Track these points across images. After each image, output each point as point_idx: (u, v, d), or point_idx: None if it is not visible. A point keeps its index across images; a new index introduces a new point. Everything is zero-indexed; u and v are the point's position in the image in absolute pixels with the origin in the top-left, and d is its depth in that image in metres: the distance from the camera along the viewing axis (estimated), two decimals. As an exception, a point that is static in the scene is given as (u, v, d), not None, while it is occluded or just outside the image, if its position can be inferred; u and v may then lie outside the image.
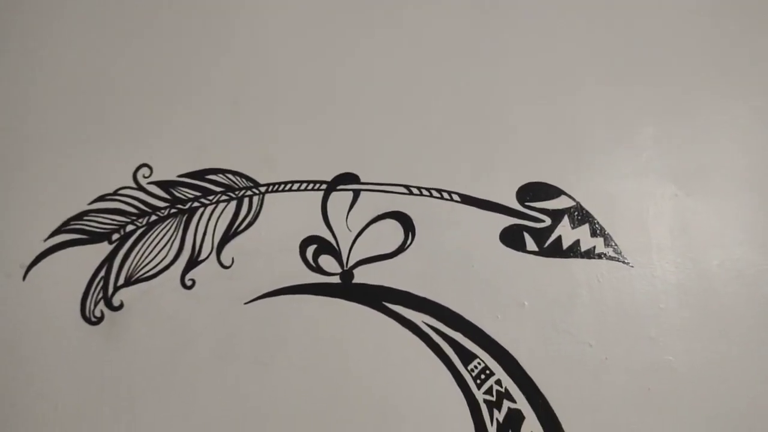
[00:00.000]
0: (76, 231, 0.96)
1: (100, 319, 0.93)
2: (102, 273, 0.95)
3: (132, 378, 0.89)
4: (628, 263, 0.96)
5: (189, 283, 0.95)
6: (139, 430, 0.87)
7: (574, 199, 0.98)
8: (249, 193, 0.98)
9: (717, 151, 1.02)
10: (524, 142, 1.01)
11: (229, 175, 0.99)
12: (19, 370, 0.90)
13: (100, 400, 0.88)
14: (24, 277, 0.94)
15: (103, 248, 0.96)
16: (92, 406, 0.88)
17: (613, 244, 0.97)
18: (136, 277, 0.94)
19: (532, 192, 0.99)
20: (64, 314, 0.92)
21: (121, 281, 0.94)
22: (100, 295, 0.94)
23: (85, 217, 0.97)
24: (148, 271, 0.95)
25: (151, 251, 0.96)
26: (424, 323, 0.93)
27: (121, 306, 0.93)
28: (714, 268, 0.97)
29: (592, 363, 0.91)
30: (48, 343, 0.91)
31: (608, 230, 0.98)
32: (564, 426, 0.88)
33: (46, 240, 0.96)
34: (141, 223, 0.97)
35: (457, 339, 0.92)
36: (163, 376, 0.90)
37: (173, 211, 0.98)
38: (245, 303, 0.94)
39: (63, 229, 0.96)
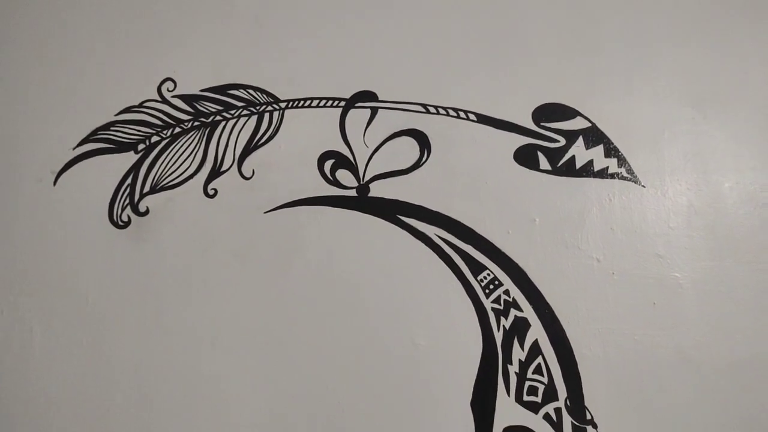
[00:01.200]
0: (103, 140, 1.00)
1: (127, 224, 0.97)
2: (128, 180, 0.99)
3: (158, 277, 0.94)
4: (640, 183, 0.98)
5: (211, 192, 0.98)
6: (165, 322, 0.92)
7: (589, 120, 0.99)
8: (269, 108, 1.01)
9: (737, 77, 1.01)
10: (542, 63, 1.01)
11: (251, 91, 1.02)
12: (53, 266, 0.95)
13: (128, 294, 0.93)
14: (55, 183, 0.99)
15: (130, 157, 1.00)
16: (121, 299, 0.93)
17: (627, 165, 0.98)
18: (161, 185, 0.98)
19: (548, 113, 1.00)
20: (93, 218, 0.97)
21: (146, 189, 0.98)
22: (127, 201, 0.98)
23: (112, 128, 1.00)
24: (172, 180, 0.98)
25: (175, 161, 0.99)
26: (437, 236, 0.96)
27: (146, 212, 0.98)
28: (726, 190, 0.98)
29: (599, 277, 0.94)
30: (79, 243, 0.96)
31: (622, 151, 0.99)
32: (568, 334, 0.91)
33: (75, 148, 1.00)
34: (165, 134, 1.01)
35: (468, 251, 0.95)
36: (186, 277, 0.94)
37: (196, 124, 1.01)
38: (265, 212, 0.97)
39: (91, 138, 1.00)
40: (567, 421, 0.89)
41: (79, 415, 0.87)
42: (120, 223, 0.97)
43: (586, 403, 0.89)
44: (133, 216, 0.97)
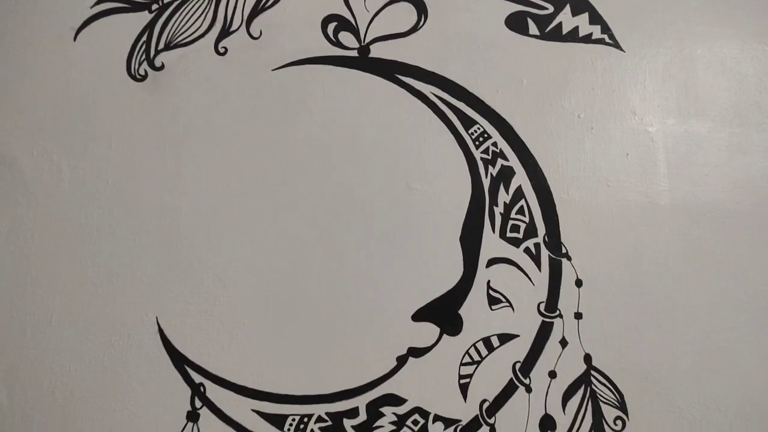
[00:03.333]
0: (119, 0, 1.06)
1: (144, 77, 1.04)
2: (144, 37, 1.05)
3: (174, 126, 1.02)
4: (620, 48, 1.06)
5: (222, 50, 1.05)
6: (183, 165, 1.00)
7: (576, -11, 1.06)
8: (276, -27, 1.06)
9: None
10: (534, -66, 1.07)
11: (258, -44, 1.07)
12: (77, 114, 1.02)
13: (147, 141, 1.01)
14: (75, 38, 1.05)
15: (144, 17, 1.06)
16: (141, 145, 1.01)
17: (609, 31, 1.06)
18: (174, 42, 1.05)
19: (538, -18, 1.06)
20: (112, 71, 1.04)
21: (161, 45, 1.05)
22: (143, 56, 1.04)
23: (127, -12, 1.06)
24: (185, 38, 1.05)
25: (187, 21, 1.05)
26: (432, 93, 1.04)
27: (162, 67, 1.04)
28: (697, 57, 1.06)
29: (579, 131, 1.03)
30: (100, 95, 1.03)
31: (605, 19, 1.06)
32: (549, 181, 1.01)
33: (92, 7, 1.06)
34: (177, -4, 1.06)
35: (461, 107, 1.04)
36: (201, 127, 1.02)
37: (206, -14, 1.06)
38: (272, 69, 1.04)
39: (107, -2, 1.05)
40: (545, 254, 1.00)
41: (106, 244, 0.96)
42: (138, 76, 1.04)
43: (562, 240, 1.00)
44: (149, 70, 1.04)
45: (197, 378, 0.94)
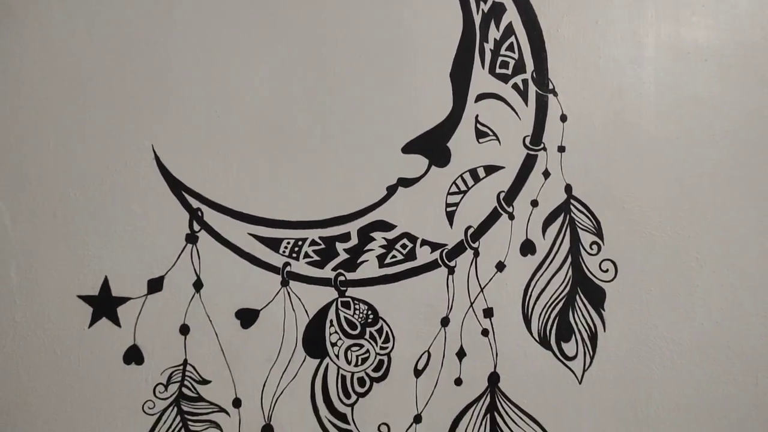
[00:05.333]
0: None
1: None
2: None
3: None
4: None
5: None
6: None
7: None
8: None
9: None
10: None
11: None
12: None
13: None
14: None
15: None
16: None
17: None
18: None
19: None
20: None
21: None
22: None
23: None
24: None
25: None
26: (425, -73, 1.03)
27: None
28: None
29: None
30: None
31: None
32: (539, 18, 1.02)
33: None
34: None
35: (454, -57, 1.03)
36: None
37: None
38: None
39: None
40: (532, 90, 1.02)
41: (101, 71, 0.96)
42: None
43: (549, 76, 1.02)
44: None
45: (195, 203, 0.97)
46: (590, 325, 1.02)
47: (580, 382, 1.01)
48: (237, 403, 0.95)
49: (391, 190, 1.00)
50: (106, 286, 0.94)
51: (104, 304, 0.94)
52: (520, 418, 1.00)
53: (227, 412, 0.95)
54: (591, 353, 1.02)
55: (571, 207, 1.02)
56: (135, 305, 0.95)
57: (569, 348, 1.01)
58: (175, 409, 0.94)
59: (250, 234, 0.98)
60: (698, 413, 1.03)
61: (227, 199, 0.98)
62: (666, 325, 1.03)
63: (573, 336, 1.01)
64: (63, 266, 0.94)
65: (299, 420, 0.96)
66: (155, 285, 0.95)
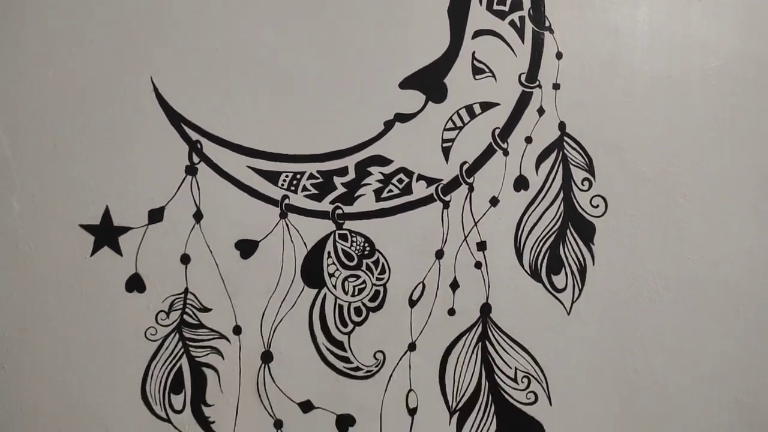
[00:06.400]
0: None
1: None
2: None
3: None
4: None
5: None
6: None
7: None
8: None
9: None
10: None
11: None
12: None
13: None
14: None
15: None
16: None
17: None
18: None
19: None
20: None
21: None
22: None
23: None
24: None
25: None
26: None
27: None
28: None
29: None
30: None
31: None
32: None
33: None
34: None
35: None
36: None
37: None
38: None
39: None
40: (528, 27, 1.03)
41: (99, 3, 0.96)
42: None
43: (546, 13, 1.03)
44: None
45: (194, 135, 0.98)
46: (580, 259, 1.05)
47: (568, 314, 1.05)
48: (237, 330, 0.98)
49: (388, 126, 1.02)
50: (107, 215, 0.96)
51: (106, 234, 0.96)
52: (511, 347, 1.04)
53: (228, 339, 0.98)
54: (580, 286, 1.05)
55: (565, 144, 1.04)
56: (136, 235, 0.96)
57: (559, 281, 1.05)
58: (177, 335, 0.97)
59: (249, 167, 0.99)
60: (682, 344, 1.07)
61: (226, 132, 0.99)
62: (653, 260, 1.06)
63: (563, 269, 1.05)
64: (64, 196, 0.95)
65: (298, 347, 0.99)
66: (156, 215, 0.97)
